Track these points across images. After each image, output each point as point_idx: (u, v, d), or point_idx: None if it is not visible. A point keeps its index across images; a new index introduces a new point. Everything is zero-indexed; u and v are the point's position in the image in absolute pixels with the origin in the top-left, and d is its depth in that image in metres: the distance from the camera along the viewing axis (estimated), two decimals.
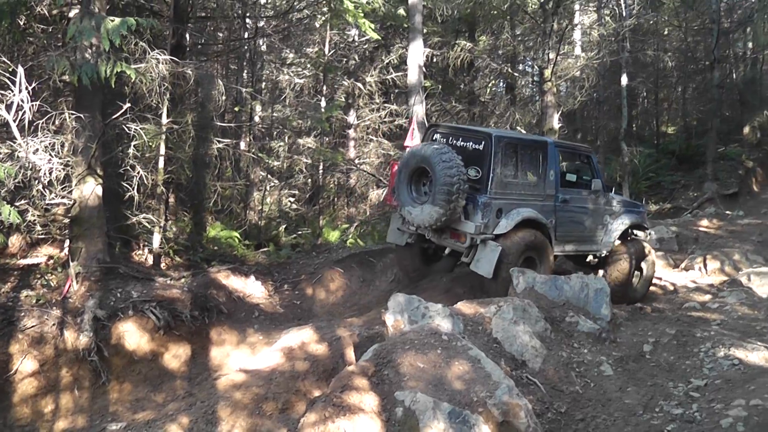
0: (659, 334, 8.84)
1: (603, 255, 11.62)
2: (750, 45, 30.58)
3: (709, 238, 14.79)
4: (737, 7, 28.67)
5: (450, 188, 9.55)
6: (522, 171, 10.44)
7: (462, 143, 10.41)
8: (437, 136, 10.87)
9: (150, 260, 12.11)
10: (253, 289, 11.97)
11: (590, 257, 11.73)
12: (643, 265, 11.74)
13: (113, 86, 9.64)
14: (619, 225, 11.61)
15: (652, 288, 12.29)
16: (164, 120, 12.13)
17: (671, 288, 12.41)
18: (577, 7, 23.57)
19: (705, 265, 13.40)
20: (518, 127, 20.10)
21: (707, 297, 11.48)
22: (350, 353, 8.24)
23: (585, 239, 11.39)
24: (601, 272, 11.55)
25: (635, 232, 12.08)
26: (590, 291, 9.22)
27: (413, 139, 12.23)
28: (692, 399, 6.87)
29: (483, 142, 10.12)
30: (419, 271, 11.59)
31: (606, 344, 8.43)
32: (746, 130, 27.11)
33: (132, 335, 9.66)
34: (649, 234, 12.23)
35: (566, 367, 7.54)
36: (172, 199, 13.92)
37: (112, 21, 9.13)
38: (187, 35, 14.03)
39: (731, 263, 13.41)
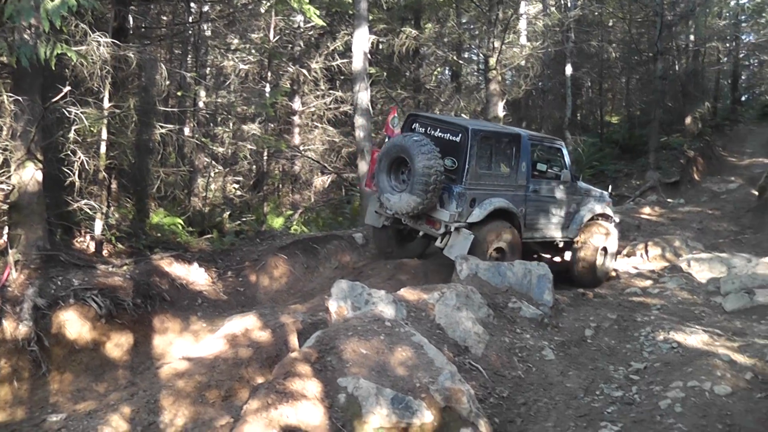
0: (601, 319, 9.03)
1: (570, 240, 12.14)
2: (692, 38, 31.16)
3: (651, 225, 15.10)
4: (680, 0, 29.20)
5: (428, 179, 9.99)
6: (496, 162, 10.86)
7: (440, 134, 10.80)
8: (416, 125, 11.21)
9: (92, 247, 11.94)
10: (196, 276, 11.87)
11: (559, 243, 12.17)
12: (607, 245, 12.13)
13: (53, 69, 9.39)
14: (586, 213, 12.14)
15: None
16: (106, 104, 11.93)
17: (613, 274, 12.60)
18: None
19: (647, 252, 13.66)
20: (463, 115, 20.21)
21: (648, 282, 11.73)
22: (294, 340, 8.24)
23: (553, 227, 11.90)
24: (568, 256, 12.13)
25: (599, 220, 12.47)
26: (533, 277, 9.37)
27: (393, 128, 12.32)
28: (632, 382, 7.05)
29: (460, 135, 10.52)
30: (393, 251, 11.97)
31: (548, 329, 8.58)
32: (688, 120, 27.69)
33: (73, 324, 9.45)
34: (614, 221, 12.54)
35: (509, 352, 7.63)
36: (114, 185, 13.71)
37: (52, 1, 8.94)
38: (131, 18, 13.81)
39: (672, 250, 13.67)
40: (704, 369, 6.69)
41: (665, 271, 12.39)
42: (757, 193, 19.77)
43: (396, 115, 12.70)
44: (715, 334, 8.01)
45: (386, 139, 11.89)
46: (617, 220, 13.08)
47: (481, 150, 10.50)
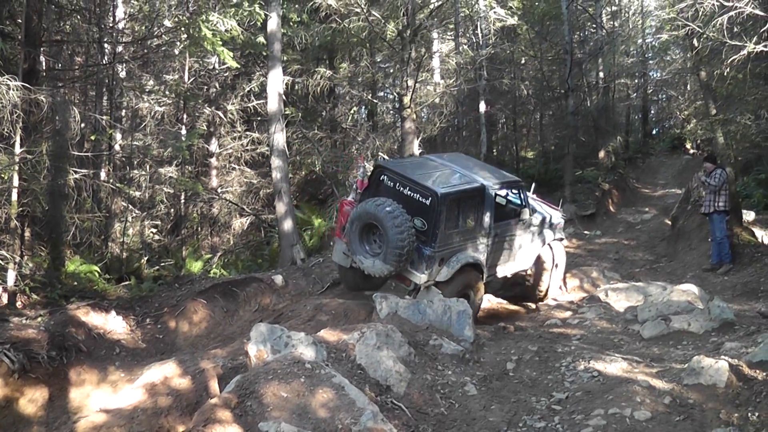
0: (522, 352, 9.10)
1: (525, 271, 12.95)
2: (602, 75, 32.17)
3: (568, 257, 15.36)
4: (589, 39, 30.14)
5: (401, 251, 10.35)
6: (462, 219, 11.11)
7: (409, 193, 11.00)
8: (384, 178, 11.34)
9: (4, 299, 11.63)
10: (114, 324, 11.62)
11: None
12: (557, 261, 12.97)
13: None
14: (538, 243, 12.82)
15: (514, 308, 12.86)
16: (17, 149, 11.68)
17: (533, 306, 12.78)
18: (435, 35, 24.17)
19: (565, 283, 13.85)
20: (380, 154, 20.38)
21: (568, 313, 11.86)
22: (214, 385, 8.14)
23: (513, 264, 12.43)
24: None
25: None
26: (453, 314, 9.40)
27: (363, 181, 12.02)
28: (554, 412, 7.10)
29: (430, 199, 10.72)
30: (359, 286, 12.29)
31: (470, 365, 8.61)
32: (601, 154, 28.40)
33: None
34: (562, 240, 13.64)
35: (431, 389, 7.64)
36: (27, 234, 13.38)
37: None
38: (42, 59, 13.59)
39: (590, 280, 13.89)
40: (624, 396, 6.80)
41: (584, 301, 12.57)
42: (670, 222, 20.31)
43: (364, 164, 12.71)
44: (634, 361, 8.16)
45: (354, 189, 11.96)
46: (564, 240, 13.84)
47: (449, 212, 10.75)
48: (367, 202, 10.92)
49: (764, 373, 6.86)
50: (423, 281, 10.65)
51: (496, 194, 11.59)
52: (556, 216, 13.49)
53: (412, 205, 10.73)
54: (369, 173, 11.98)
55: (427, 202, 10.73)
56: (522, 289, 13.20)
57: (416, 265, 10.71)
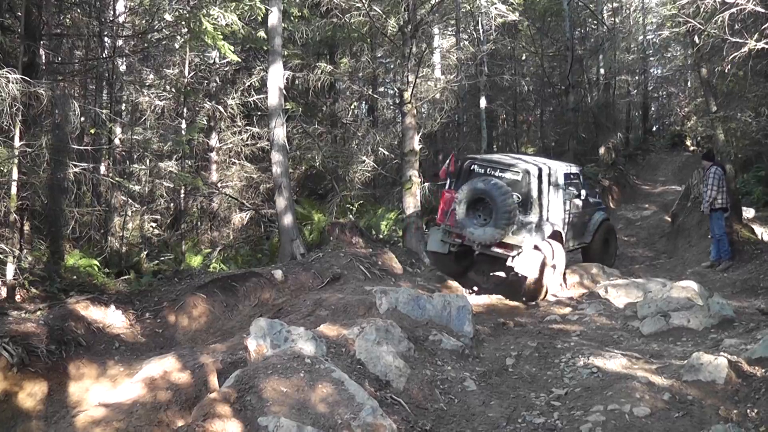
0: (521, 348, 9.14)
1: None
2: (602, 71, 32.16)
3: (568, 253, 15.36)
4: (590, 36, 30.11)
5: (509, 215, 12.45)
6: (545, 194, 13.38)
7: (500, 174, 13.33)
8: (475, 167, 13.69)
9: (3, 293, 11.61)
10: (113, 318, 11.60)
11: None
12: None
13: None
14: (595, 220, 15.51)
15: (513, 303, 12.88)
16: (17, 143, 11.65)
17: (533, 302, 12.81)
18: (436, 31, 24.19)
19: (565, 280, 13.85)
20: (380, 149, 20.37)
21: (567, 310, 11.90)
22: (213, 380, 8.14)
23: (578, 237, 15.06)
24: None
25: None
26: (452, 309, 9.46)
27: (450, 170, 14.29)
28: (553, 408, 7.13)
29: (522, 175, 13.22)
30: (455, 270, 14.42)
31: (469, 360, 8.65)
32: (602, 150, 28.46)
33: None
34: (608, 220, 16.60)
35: (430, 385, 7.66)
36: (26, 227, 13.35)
37: None
38: (42, 53, 13.56)
39: (589, 277, 13.90)
40: (623, 392, 6.83)
41: (584, 297, 12.60)
42: (670, 219, 20.38)
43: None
44: (634, 358, 8.19)
45: (448, 182, 14.12)
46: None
47: (540, 186, 13.16)
48: (473, 181, 13.09)
49: (763, 370, 6.88)
50: (524, 243, 12.69)
51: (569, 172, 14.42)
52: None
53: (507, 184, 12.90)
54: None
55: (520, 179, 13.13)
56: (516, 285, 13.45)
57: (516, 232, 12.79)
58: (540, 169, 13.29)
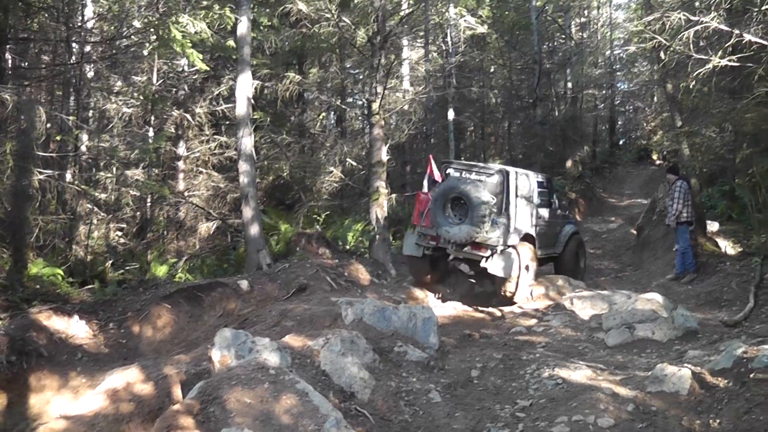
0: (487, 359, 9.15)
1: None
2: (570, 85, 32.43)
3: (539, 266, 15.40)
4: (558, 50, 30.37)
5: (485, 212, 12.74)
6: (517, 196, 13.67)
7: (475, 177, 13.66)
8: (450, 170, 14.10)
9: None
10: (76, 329, 11.44)
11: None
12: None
13: None
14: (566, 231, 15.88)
15: (479, 315, 12.90)
16: None
17: (499, 314, 12.81)
18: (405, 42, 24.22)
19: (531, 291, 13.90)
20: (348, 159, 20.38)
21: (533, 321, 11.92)
22: (177, 391, 8.04)
23: (551, 245, 15.31)
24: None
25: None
26: (418, 321, 9.45)
27: (434, 175, 14.41)
28: (518, 419, 7.14)
29: (496, 176, 13.54)
30: (429, 274, 14.41)
31: (434, 372, 8.65)
32: (569, 163, 28.69)
33: None
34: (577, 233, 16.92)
35: (395, 396, 7.64)
36: None
37: None
38: (9, 57, 13.40)
39: (555, 288, 13.93)
40: (588, 403, 6.86)
41: (549, 309, 12.62)
42: (635, 232, 20.58)
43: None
44: (599, 369, 8.23)
45: (430, 184, 14.22)
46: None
47: (511, 187, 13.40)
48: (449, 181, 13.60)
49: (726, 381, 6.94)
50: (499, 243, 12.97)
51: (540, 180, 14.83)
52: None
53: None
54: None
55: (494, 181, 13.44)
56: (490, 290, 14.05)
57: (490, 232, 12.96)
58: (514, 173, 13.75)
